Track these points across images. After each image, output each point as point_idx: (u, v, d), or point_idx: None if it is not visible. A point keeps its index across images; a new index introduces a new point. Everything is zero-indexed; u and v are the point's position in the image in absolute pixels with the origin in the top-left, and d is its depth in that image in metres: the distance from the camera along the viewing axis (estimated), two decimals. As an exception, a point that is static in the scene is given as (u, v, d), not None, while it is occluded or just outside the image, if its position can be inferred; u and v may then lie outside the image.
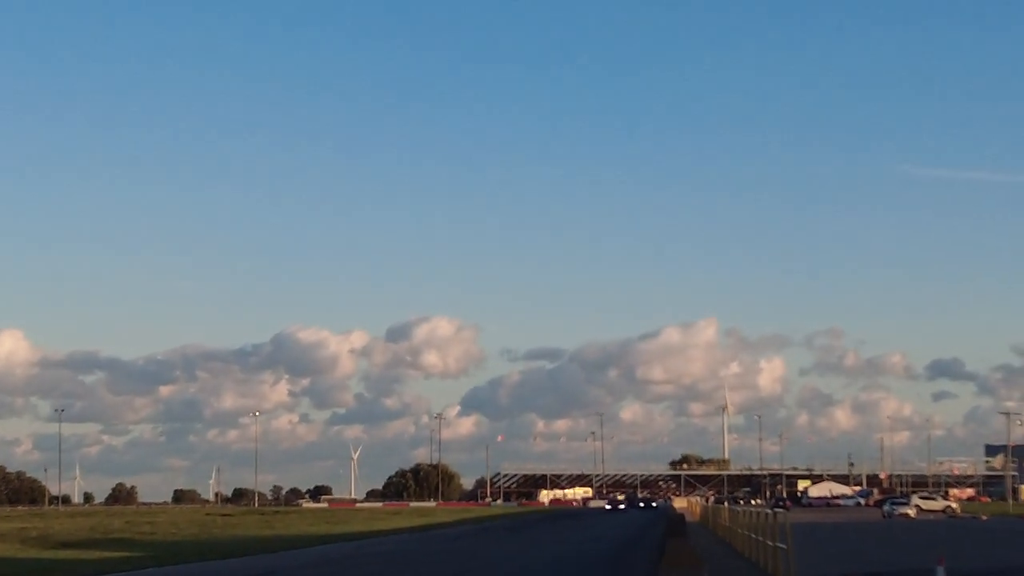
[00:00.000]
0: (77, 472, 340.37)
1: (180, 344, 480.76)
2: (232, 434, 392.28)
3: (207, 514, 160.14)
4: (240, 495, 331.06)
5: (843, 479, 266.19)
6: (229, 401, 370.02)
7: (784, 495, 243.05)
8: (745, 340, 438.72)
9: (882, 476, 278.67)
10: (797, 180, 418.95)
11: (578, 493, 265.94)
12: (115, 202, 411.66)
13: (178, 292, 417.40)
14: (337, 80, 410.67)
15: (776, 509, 40.88)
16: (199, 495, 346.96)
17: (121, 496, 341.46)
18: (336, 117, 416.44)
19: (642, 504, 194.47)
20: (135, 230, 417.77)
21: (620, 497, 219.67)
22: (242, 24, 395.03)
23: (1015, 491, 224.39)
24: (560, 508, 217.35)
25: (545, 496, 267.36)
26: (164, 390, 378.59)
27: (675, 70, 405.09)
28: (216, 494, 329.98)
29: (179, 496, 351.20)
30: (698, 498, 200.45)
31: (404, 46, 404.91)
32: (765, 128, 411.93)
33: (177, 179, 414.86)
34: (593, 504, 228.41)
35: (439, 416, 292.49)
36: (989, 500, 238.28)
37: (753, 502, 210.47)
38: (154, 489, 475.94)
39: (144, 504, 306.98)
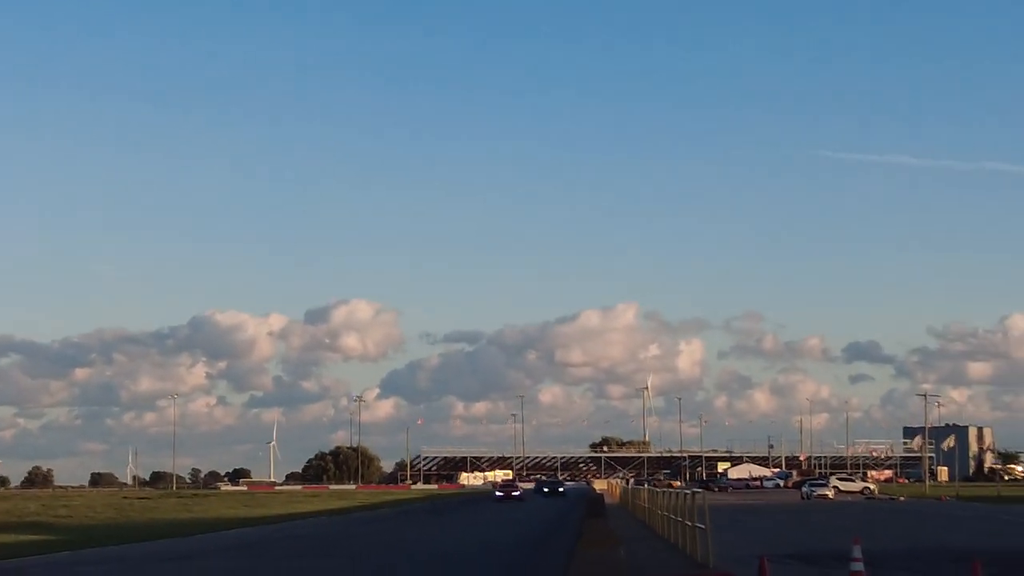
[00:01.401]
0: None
1: (96, 327, 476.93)
2: (149, 417, 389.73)
3: (124, 497, 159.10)
4: (158, 478, 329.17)
5: (762, 461, 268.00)
6: (146, 384, 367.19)
7: (704, 476, 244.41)
8: (665, 323, 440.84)
9: (801, 458, 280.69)
10: (715, 164, 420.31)
11: (498, 476, 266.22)
12: (31, 184, 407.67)
13: (95, 274, 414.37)
14: (253, 60, 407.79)
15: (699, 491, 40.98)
16: (116, 478, 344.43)
17: (37, 479, 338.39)
18: (255, 96, 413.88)
19: (546, 489, 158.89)
20: (50, 211, 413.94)
21: (545, 480, 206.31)
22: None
23: (932, 472, 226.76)
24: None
25: (466, 478, 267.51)
26: (80, 373, 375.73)
27: (592, 57, 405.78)
28: (134, 477, 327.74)
29: (96, 480, 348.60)
30: (618, 480, 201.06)
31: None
32: (684, 111, 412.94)
33: (94, 161, 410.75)
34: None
35: (359, 399, 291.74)
36: (907, 481, 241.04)
37: (674, 484, 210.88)
38: (71, 473, 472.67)
39: (60, 488, 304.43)
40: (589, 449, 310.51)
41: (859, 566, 27.93)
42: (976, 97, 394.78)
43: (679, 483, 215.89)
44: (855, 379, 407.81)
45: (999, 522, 71.20)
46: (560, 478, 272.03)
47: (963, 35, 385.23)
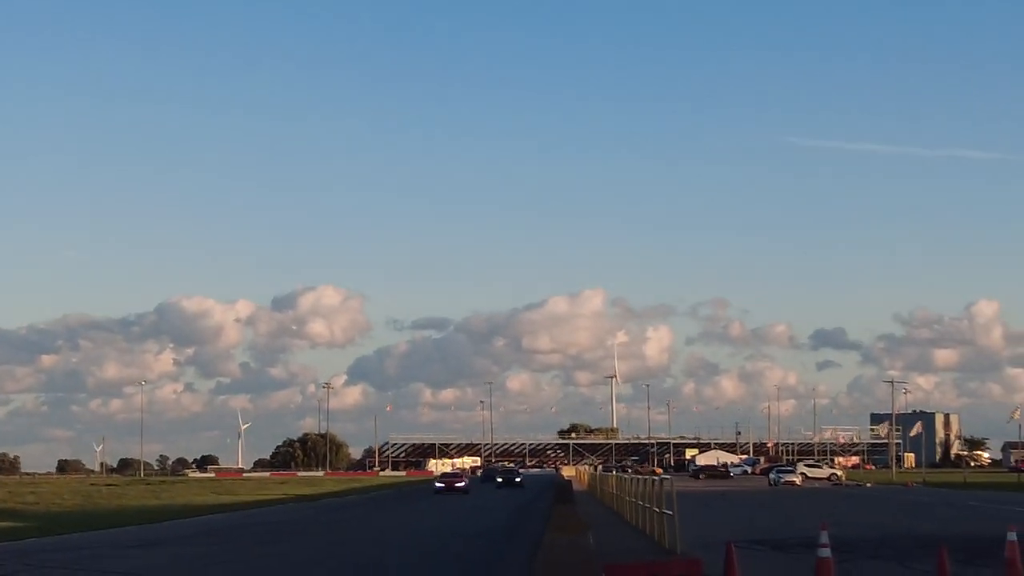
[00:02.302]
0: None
1: (62, 313, 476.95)
2: (116, 404, 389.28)
3: (92, 484, 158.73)
4: (126, 465, 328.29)
5: (730, 448, 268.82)
6: (112, 371, 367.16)
7: (672, 463, 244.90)
8: (631, 310, 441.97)
9: (769, 444, 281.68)
10: (681, 151, 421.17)
11: (467, 463, 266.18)
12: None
13: (61, 261, 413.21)
14: (216, 47, 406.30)
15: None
16: (84, 465, 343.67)
17: (4, 466, 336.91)
18: (220, 85, 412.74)
19: (500, 479, 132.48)
20: (17, 197, 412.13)
21: (496, 468, 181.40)
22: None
23: (899, 459, 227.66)
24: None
25: (434, 465, 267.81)
26: (46, 359, 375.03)
27: (558, 46, 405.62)
28: (101, 464, 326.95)
29: (63, 466, 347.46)
30: (586, 467, 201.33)
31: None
32: (650, 97, 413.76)
33: (59, 147, 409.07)
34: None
35: (327, 385, 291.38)
36: (874, 468, 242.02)
37: (657, 471, 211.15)
38: (37, 460, 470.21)
39: (27, 474, 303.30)
40: (557, 436, 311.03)
41: (826, 552, 28.02)
42: (943, 84, 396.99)
43: (660, 470, 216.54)
44: (822, 366, 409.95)
45: (965, 508, 71.56)
46: (528, 464, 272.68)
47: (929, 22, 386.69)
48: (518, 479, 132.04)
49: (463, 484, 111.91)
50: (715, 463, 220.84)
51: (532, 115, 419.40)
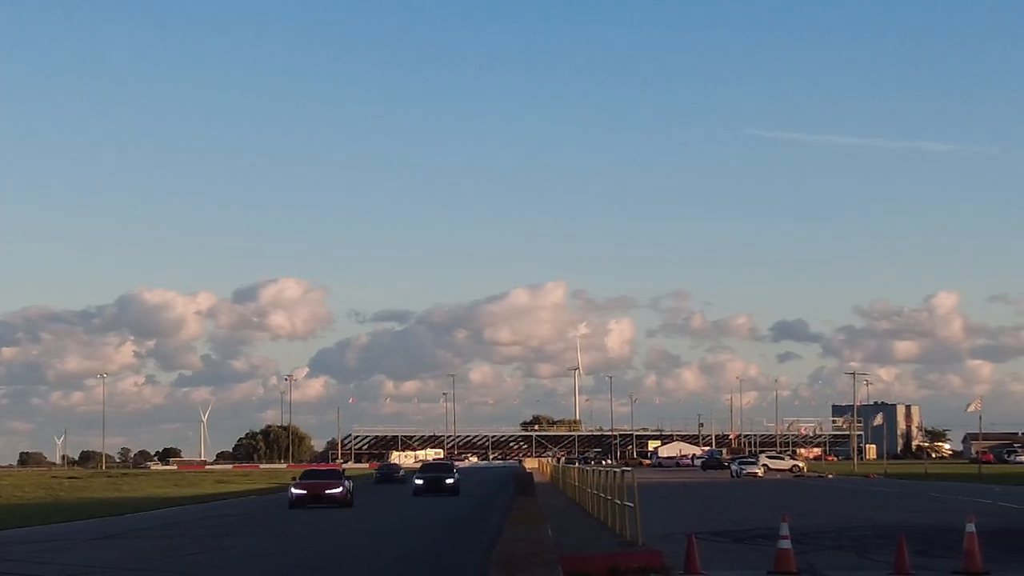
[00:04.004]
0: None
1: (22, 306, 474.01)
2: (77, 396, 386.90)
3: (53, 477, 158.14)
4: (87, 458, 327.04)
5: (692, 439, 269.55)
6: (73, 363, 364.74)
7: (635, 455, 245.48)
8: (593, 302, 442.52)
9: (731, 436, 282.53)
10: (642, 141, 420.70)
11: (429, 455, 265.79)
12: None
13: (20, 252, 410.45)
14: (172, 37, 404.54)
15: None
16: (45, 458, 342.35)
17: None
18: (179, 74, 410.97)
19: (420, 481, 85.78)
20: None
21: (397, 466, 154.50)
22: None
23: (860, 450, 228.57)
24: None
25: (397, 457, 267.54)
26: (7, 352, 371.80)
27: (520, 34, 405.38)
28: (63, 457, 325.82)
29: (25, 459, 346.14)
30: (549, 458, 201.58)
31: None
32: (611, 89, 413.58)
33: (20, 138, 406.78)
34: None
35: (289, 377, 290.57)
36: (835, 459, 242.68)
37: (644, 462, 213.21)
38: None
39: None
40: (520, 428, 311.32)
41: (786, 543, 28.18)
42: (906, 75, 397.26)
43: (648, 462, 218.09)
44: (783, 357, 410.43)
45: (926, 499, 71.89)
46: (492, 456, 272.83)
47: (893, 12, 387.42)
48: (450, 480, 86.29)
49: (339, 491, 68.91)
50: (678, 454, 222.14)
51: (493, 107, 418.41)
